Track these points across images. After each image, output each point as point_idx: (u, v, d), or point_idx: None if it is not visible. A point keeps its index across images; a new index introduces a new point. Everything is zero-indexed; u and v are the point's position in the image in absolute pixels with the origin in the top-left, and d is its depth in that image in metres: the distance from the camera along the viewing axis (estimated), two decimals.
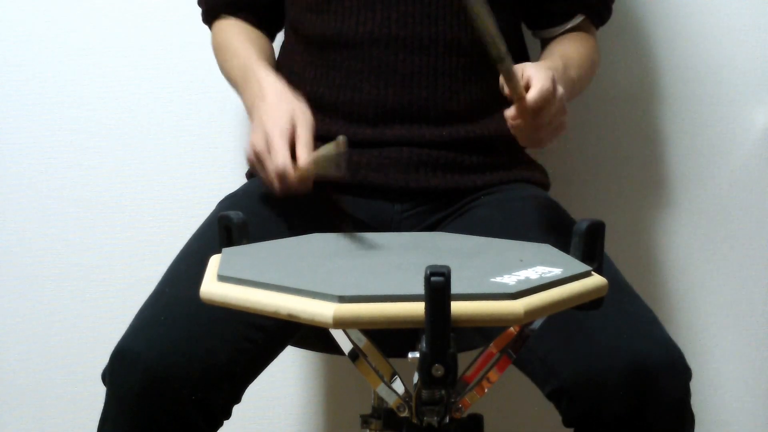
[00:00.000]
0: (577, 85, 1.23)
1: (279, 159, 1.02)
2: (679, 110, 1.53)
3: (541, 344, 0.97)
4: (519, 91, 0.97)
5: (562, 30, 1.29)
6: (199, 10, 1.33)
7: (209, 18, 1.32)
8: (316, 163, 1.03)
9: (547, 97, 0.98)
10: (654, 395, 0.93)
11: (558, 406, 0.97)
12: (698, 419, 1.00)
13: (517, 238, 0.93)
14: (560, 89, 1.02)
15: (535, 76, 0.99)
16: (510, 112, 0.99)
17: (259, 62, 1.18)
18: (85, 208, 1.55)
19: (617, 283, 1.03)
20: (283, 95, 1.10)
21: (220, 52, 1.29)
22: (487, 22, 0.89)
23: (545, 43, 1.32)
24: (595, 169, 1.54)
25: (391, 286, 0.70)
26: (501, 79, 0.97)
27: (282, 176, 1.03)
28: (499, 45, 0.92)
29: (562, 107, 1.02)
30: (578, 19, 1.29)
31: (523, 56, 1.32)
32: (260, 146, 1.05)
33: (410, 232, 1.15)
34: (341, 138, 1.01)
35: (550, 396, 0.98)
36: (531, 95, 0.97)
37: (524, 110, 0.98)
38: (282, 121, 1.05)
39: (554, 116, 1.01)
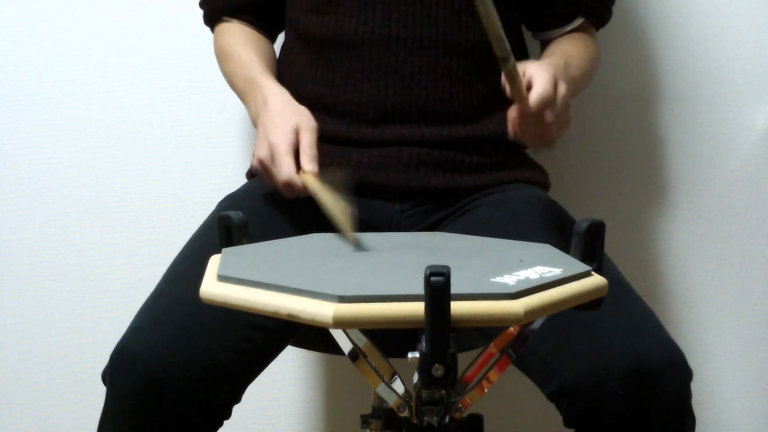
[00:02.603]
0: (579, 83, 1.23)
1: (284, 171, 1.05)
2: (679, 110, 1.53)
3: (541, 344, 0.97)
4: (521, 92, 0.97)
5: (563, 32, 1.29)
6: (199, 12, 1.33)
7: (211, 20, 1.32)
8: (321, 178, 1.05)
9: (549, 98, 0.98)
10: (655, 395, 0.93)
11: (559, 407, 0.97)
12: (699, 419, 1.00)
13: (517, 239, 0.92)
14: (562, 86, 1.02)
15: (537, 76, 0.99)
16: (512, 112, 1.00)
17: (262, 70, 1.19)
18: (85, 208, 1.55)
19: (618, 283, 1.03)
20: (286, 104, 1.12)
21: (222, 57, 1.29)
22: (494, 20, 0.90)
23: (545, 45, 1.32)
24: (595, 169, 1.54)
25: (391, 286, 0.70)
26: (503, 78, 0.97)
27: (288, 186, 1.05)
28: (504, 44, 0.92)
29: (566, 104, 1.03)
30: (578, 22, 1.29)
31: (523, 57, 1.32)
32: (266, 158, 1.08)
33: (410, 232, 1.15)
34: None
35: (550, 396, 0.98)
36: (532, 96, 0.97)
37: (526, 111, 0.98)
38: (286, 131, 1.07)
39: (558, 114, 1.01)
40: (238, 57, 1.24)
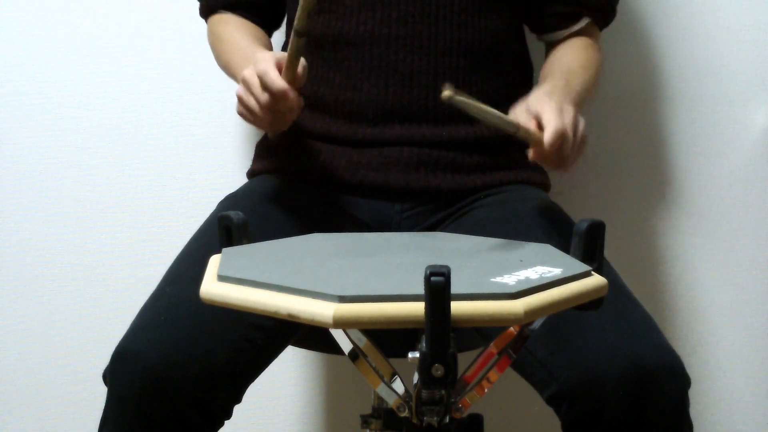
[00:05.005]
0: (584, 96, 1.21)
1: (261, 65, 1.00)
2: (679, 110, 1.53)
3: (540, 348, 0.97)
4: (533, 138, 0.98)
5: (567, 33, 1.29)
6: (197, 5, 1.32)
7: (206, 12, 1.32)
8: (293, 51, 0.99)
9: (562, 132, 0.98)
10: (653, 398, 0.93)
11: (558, 411, 0.97)
12: (699, 420, 1.00)
13: (517, 239, 0.92)
14: (568, 111, 1.01)
15: (543, 111, 0.99)
16: (531, 154, 1.00)
17: (258, 47, 1.18)
18: (85, 208, 1.55)
19: (616, 287, 1.02)
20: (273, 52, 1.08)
21: (217, 43, 1.28)
22: (486, 113, 0.89)
23: (550, 46, 1.31)
24: (595, 169, 1.54)
25: (391, 286, 0.70)
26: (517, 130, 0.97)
27: (273, 101, 1.00)
28: (508, 124, 0.93)
29: (577, 125, 1.02)
30: (583, 22, 1.28)
31: (524, 60, 1.31)
32: (249, 76, 1.03)
33: (410, 232, 1.15)
34: None
35: (549, 401, 0.98)
36: (546, 138, 0.97)
37: (543, 151, 0.98)
38: (269, 57, 1.03)
39: (576, 141, 1.01)
40: (234, 40, 1.23)
